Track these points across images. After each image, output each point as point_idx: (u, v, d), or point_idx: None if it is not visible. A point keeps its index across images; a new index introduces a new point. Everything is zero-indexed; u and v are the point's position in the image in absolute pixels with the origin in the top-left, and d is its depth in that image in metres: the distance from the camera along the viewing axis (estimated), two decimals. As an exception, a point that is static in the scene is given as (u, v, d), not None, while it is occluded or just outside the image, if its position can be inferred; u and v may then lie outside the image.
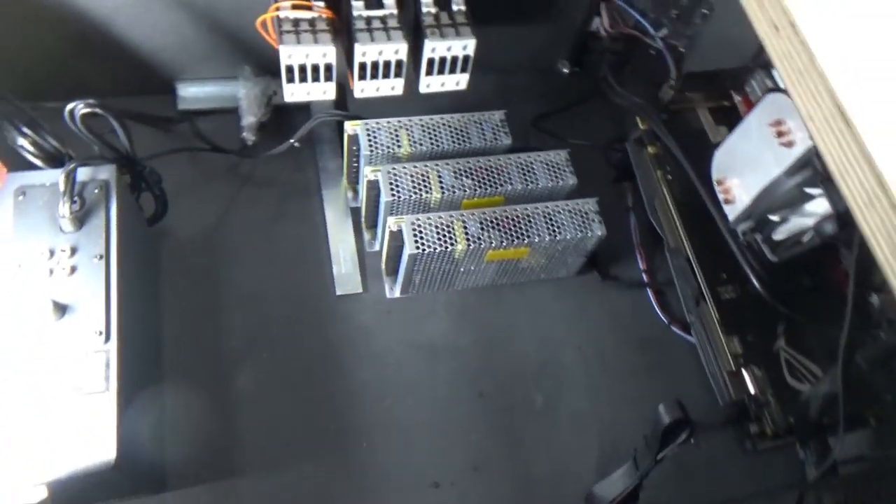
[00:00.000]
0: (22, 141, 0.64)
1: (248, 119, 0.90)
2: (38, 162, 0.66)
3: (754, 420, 0.68)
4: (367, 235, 0.90)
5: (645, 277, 0.93)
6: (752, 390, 0.70)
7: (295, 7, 0.74)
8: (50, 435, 0.56)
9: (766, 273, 0.66)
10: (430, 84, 0.82)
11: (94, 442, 0.56)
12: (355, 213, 0.91)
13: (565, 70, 1.09)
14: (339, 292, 0.85)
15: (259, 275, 0.85)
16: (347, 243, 0.88)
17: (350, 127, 0.81)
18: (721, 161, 0.72)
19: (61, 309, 0.60)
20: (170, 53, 0.88)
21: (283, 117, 0.93)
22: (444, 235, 0.77)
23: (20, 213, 0.64)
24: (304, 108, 0.94)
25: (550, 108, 1.04)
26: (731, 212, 0.70)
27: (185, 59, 0.90)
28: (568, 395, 0.84)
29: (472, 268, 0.83)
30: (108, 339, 0.60)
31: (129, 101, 0.91)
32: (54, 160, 0.67)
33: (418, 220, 0.77)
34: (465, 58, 0.79)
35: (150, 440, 0.69)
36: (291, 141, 0.85)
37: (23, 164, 0.66)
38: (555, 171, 0.84)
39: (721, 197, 0.70)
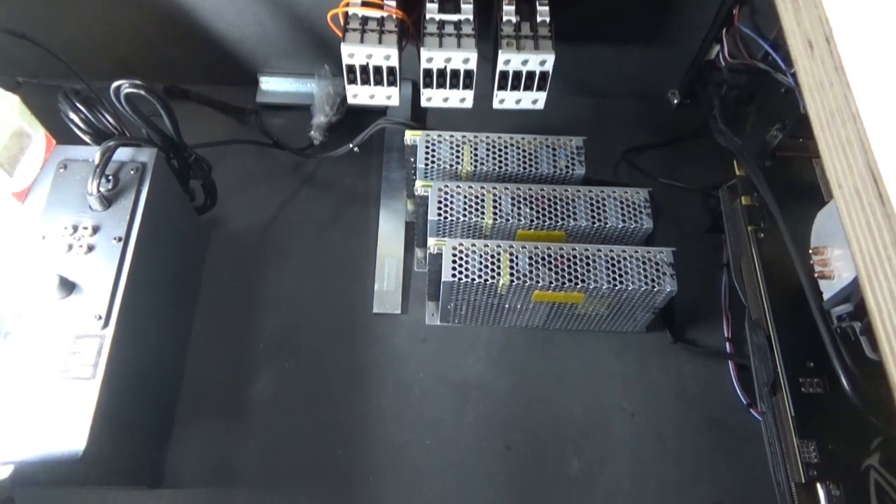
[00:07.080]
0: (73, 115, 0.64)
1: (318, 118, 0.87)
2: (87, 138, 0.66)
3: (821, 550, 0.54)
4: (418, 254, 0.84)
5: (728, 348, 0.80)
6: (824, 512, 0.56)
7: (365, 4, 0.70)
8: (26, 414, 0.55)
9: (862, 372, 0.52)
10: (505, 100, 0.76)
11: (67, 430, 0.54)
12: (412, 229, 0.85)
13: (674, 101, 0.98)
14: (376, 310, 0.79)
15: (300, 279, 0.82)
16: (395, 259, 0.83)
17: (409, 136, 0.76)
18: (823, 225, 0.58)
19: (68, 287, 0.59)
20: (252, 44, 0.88)
21: (359, 121, 0.89)
22: (487, 266, 0.69)
23: (57, 185, 0.64)
24: (383, 114, 0.90)
25: (649, 141, 0.93)
26: (827, 289, 0.56)
27: (267, 51, 0.89)
28: (609, 468, 0.73)
29: (520, 306, 0.75)
30: (105, 324, 0.58)
31: (216, 90, 0.93)
32: (107, 139, 0.67)
33: (462, 245, 0.70)
34: (543, 74, 0.73)
35: (133, 434, 0.67)
36: (351, 145, 0.81)
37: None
38: (629, 212, 0.73)
39: (817, 269, 0.57)
